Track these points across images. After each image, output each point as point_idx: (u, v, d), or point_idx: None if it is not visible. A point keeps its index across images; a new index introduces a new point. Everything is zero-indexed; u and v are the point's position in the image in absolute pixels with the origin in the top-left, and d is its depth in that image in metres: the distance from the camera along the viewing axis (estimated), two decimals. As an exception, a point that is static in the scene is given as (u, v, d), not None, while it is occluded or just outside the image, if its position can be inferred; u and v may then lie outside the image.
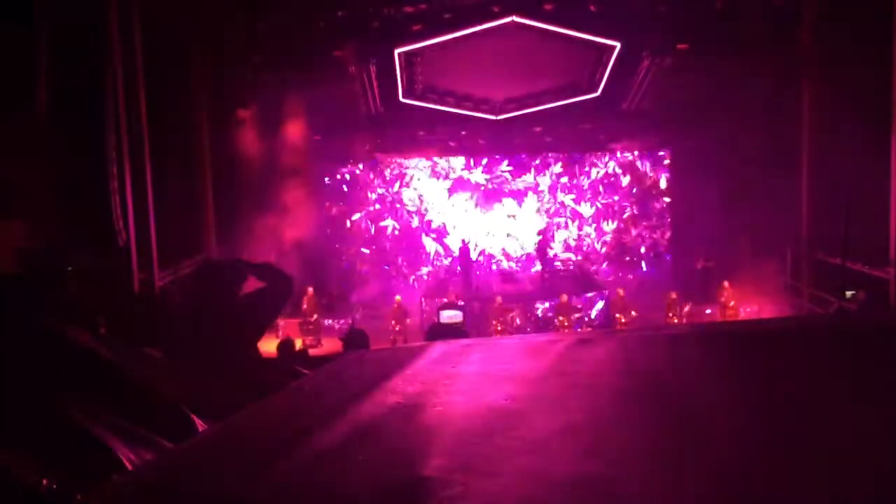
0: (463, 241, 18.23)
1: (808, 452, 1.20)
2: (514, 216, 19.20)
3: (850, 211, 9.83)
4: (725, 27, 14.88)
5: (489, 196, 19.16)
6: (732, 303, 15.03)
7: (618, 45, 15.43)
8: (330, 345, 14.34)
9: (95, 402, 1.97)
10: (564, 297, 15.36)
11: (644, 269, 19.05)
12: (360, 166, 18.89)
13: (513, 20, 14.78)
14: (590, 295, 16.18)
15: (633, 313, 15.35)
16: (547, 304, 15.62)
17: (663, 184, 19.12)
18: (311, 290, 15.31)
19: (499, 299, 15.40)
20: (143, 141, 10.92)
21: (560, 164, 19.13)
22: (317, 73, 15.37)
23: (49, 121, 8.62)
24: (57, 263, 7.00)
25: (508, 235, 19.19)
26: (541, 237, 18.18)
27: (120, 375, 2.20)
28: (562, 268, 18.75)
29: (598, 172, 19.18)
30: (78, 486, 1.65)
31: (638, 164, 19.15)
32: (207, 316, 3.54)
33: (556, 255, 18.89)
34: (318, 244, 17.13)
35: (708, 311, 15.50)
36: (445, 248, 18.96)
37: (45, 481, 1.64)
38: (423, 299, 16.09)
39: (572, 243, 19.22)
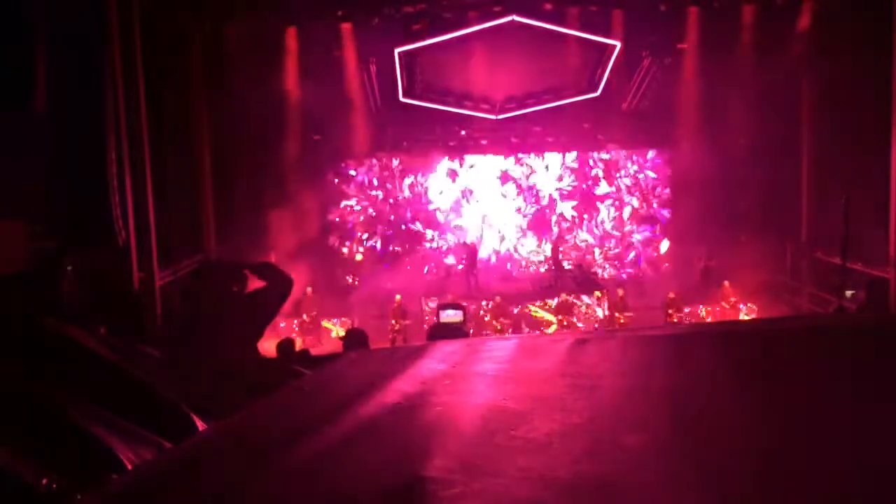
0: (473, 241, 18.20)
1: (809, 454, 1.21)
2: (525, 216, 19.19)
3: (849, 210, 9.83)
4: (725, 27, 14.90)
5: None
6: (733, 300, 15.04)
7: (618, 45, 15.44)
8: (330, 345, 14.35)
9: (95, 402, 1.97)
10: (565, 297, 15.37)
11: (643, 268, 19.02)
12: (363, 165, 18.86)
13: (513, 20, 14.78)
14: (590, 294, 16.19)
15: (631, 314, 15.35)
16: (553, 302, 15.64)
17: (663, 183, 19.09)
18: (310, 289, 15.30)
19: (497, 298, 15.40)
20: (143, 140, 10.90)
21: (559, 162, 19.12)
22: (316, 71, 15.38)
23: (48, 120, 8.61)
24: (57, 263, 7.00)
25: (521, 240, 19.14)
26: (556, 236, 18.20)
27: (120, 375, 2.20)
28: (566, 267, 18.73)
29: (597, 172, 19.16)
30: (78, 486, 1.65)
31: (638, 163, 19.12)
32: (207, 315, 3.54)
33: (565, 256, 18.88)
34: (318, 243, 17.12)
35: (700, 311, 15.49)
36: (451, 247, 18.88)
37: (45, 481, 1.64)
38: (423, 299, 16.08)
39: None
